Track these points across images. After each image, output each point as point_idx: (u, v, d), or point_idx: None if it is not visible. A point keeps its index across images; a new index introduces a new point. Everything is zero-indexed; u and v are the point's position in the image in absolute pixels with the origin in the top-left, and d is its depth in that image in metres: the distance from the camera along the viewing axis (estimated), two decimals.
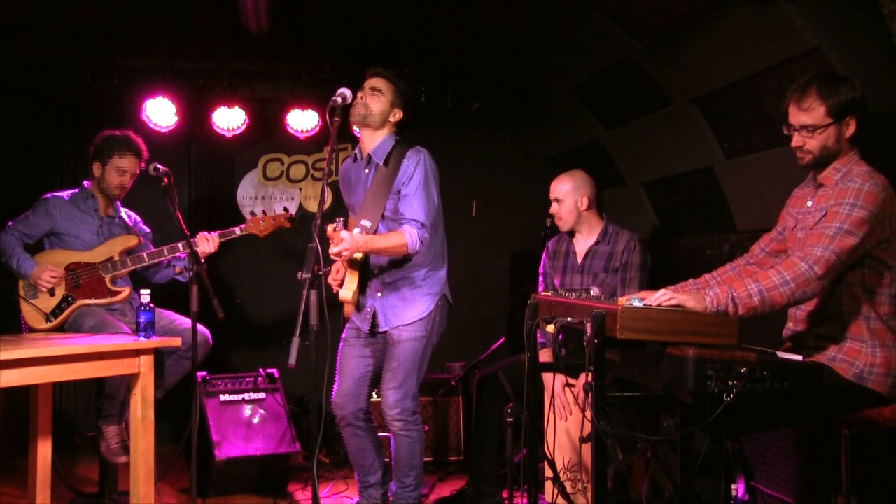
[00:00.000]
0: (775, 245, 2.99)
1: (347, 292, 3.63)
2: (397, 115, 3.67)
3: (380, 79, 3.65)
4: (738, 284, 2.57)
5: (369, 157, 3.68)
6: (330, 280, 3.77)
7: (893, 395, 2.67)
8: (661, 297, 2.56)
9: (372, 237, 3.55)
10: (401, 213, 3.57)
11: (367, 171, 3.71)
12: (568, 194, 3.99)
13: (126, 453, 3.79)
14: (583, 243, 4.03)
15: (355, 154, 3.80)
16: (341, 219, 3.51)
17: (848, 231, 2.57)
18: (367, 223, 3.60)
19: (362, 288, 3.70)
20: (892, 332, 2.68)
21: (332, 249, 3.43)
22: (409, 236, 3.50)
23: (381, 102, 3.62)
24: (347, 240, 3.40)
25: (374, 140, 3.67)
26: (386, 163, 3.63)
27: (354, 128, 3.90)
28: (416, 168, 3.58)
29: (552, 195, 4.04)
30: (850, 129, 2.69)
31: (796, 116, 2.71)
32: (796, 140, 2.73)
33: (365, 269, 3.68)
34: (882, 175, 2.67)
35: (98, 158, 4.17)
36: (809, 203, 2.81)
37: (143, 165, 4.20)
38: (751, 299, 2.52)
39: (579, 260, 4.02)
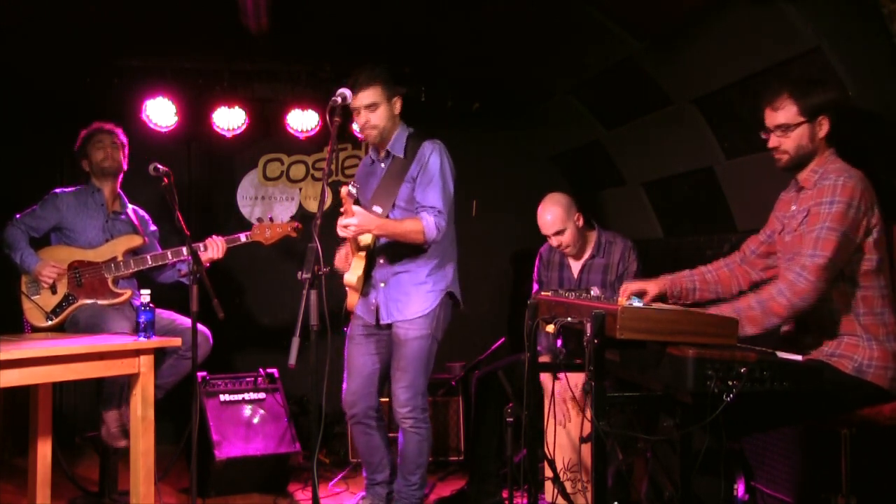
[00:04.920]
0: (764, 248, 3.04)
1: (352, 276, 3.59)
2: (397, 103, 3.65)
3: (363, 91, 3.52)
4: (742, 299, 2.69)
5: (387, 151, 3.68)
6: (337, 262, 3.73)
7: (894, 388, 2.68)
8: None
9: (386, 220, 3.52)
10: (417, 201, 3.56)
11: (382, 165, 3.70)
12: (566, 221, 3.91)
13: (126, 437, 3.78)
14: (578, 258, 4.01)
15: (371, 157, 3.79)
16: (357, 185, 3.42)
17: (830, 228, 2.62)
18: (378, 209, 3.57)
19: (367, 275, 3.67)
20: (884, 326, 2.70)
21: (341, 221, 3.39)
22: (425, 223, 3.48)
23: (381, 111, 3.58)
24: (359, 215, 3.37)
25: (389, 139, 3.67)
26: (404, 154, 3.62)
27: (354, 126, 3.90)
28: (430, 157, 3.57)
29: (550, 230, 3.92)
30: (824, 129, 2.75)
31: (770, 118, 2.80)
32: (772, 141, 2.81)
33: (372, 256, 3.65)
34: (857, 169, 2.71)
35: (82, 156, 4.28)
36: (794, 207, 2.86)
37: (123, 139, 4.32)
38: (751, 310, 2.61)
39: (575, 274, 4.00)
